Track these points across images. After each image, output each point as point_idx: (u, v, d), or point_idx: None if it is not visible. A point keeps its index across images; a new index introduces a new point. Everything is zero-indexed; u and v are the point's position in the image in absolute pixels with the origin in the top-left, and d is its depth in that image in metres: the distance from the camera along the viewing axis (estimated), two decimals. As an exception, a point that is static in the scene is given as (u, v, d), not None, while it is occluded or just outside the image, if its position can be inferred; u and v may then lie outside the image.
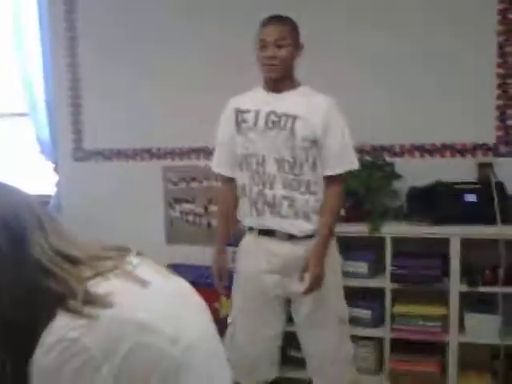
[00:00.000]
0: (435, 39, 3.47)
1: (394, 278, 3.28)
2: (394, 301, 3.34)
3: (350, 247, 3.39)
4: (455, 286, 3.19)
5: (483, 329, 3.20)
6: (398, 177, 3.47)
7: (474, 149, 3.49)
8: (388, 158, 3.53)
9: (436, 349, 3.32)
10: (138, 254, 1.14)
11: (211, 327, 1.16)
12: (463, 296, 3.22)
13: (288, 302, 2.78)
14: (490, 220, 3.16)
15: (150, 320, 1.00)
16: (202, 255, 3.85)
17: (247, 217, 2.73)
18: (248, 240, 2.76)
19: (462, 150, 3.51)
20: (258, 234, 2.70)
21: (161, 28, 3.97)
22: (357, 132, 3.43)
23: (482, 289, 3.18)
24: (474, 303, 3.28)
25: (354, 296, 3.43)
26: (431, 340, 3.28)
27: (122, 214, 4.16)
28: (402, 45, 3.52)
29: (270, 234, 2.67)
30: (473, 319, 3.24)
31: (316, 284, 2.60)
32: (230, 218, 2.85)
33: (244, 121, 2.68)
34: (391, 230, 3.28)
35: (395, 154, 3.57)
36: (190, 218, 4.08)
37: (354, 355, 2.87)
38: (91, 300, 0.97)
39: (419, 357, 3.30)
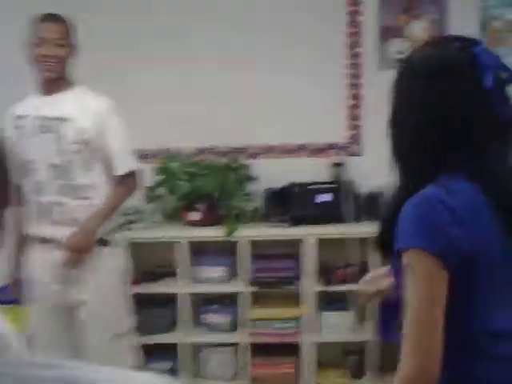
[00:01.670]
0: (285, 41, 3.48)
1: (251, 281, 3.26)
2: (253, 304, 3.31)
3: (205, 252, 3.34)
4: (310, 285, 3.22)
5: (338, 327, 3.26)
6: (252, 179, 3.45)
7: (327, 149, 3.53)
8: (243, 160, 3.49)
9: (294, 350, 3.32)
10: None
11: None
12: (319, 295, 3.25)
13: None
14: (341, 219, 3.20)
15: None
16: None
17: (28, 225, 2.64)
18: (30, 249, 2.65)
19: (315, 151, 3.54)
20: (36, 242, 2.61)
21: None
22: (210, 134, 3.43)
23: (336, 287, 3.22)
24: (329, 302, 3.32)
25: (211, 302, 3.39)
26: (288, 341, 3.28)
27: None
28: (252, 47, 3.49)
29: (46, 242, 2.57)
30: (328, 318, 3.28)
31: (73, 254, 2.47)
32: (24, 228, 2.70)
33: (19, 127, 2.60)
34: (247, 233, 3.26)
35: (250, 156, 3.54)
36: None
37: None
38: None
39: (278, 359, 3.30)
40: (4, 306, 3.08)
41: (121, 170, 2.58)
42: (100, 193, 2.57)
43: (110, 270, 2.60)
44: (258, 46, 3.49)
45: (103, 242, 2.59)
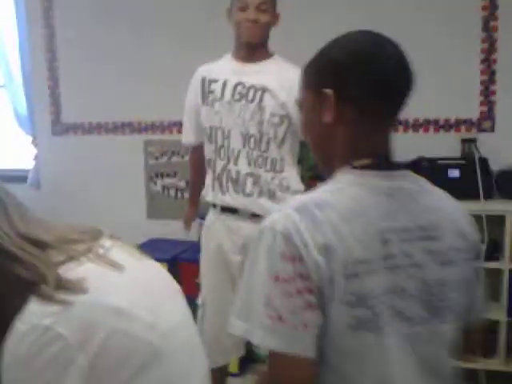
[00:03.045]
0: (421, 16, 3.42)
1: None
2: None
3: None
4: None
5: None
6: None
7: (457, 124, 3.46)
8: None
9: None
10: (111, 236, 1.09)
11: (187, 313, 1.13)
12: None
13: None
14: (473, 196, 3.15)
15: (126, 305, 0.96)
16: (183, 230, 3.81)
17: (210, 192, 2.60)
18: (211, 217, 2.62)
19: (445, 126, 3.49)
20: (220, 210, 2.57)
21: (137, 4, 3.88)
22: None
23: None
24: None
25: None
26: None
27: (102, 189, 4.10)
28: (382, 24, 3.45)
29: (232, 211, 2.53)
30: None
31: None
32: (200, 187, 2.74)
33: (211, 91, 2.54)
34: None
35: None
36: (172, 192, 4.03)
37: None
38: (63, 285, 0.93)
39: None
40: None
41: None
42: (289, 168, 2.53)
43: None
44: (395, 21, 3.45)
45: None
